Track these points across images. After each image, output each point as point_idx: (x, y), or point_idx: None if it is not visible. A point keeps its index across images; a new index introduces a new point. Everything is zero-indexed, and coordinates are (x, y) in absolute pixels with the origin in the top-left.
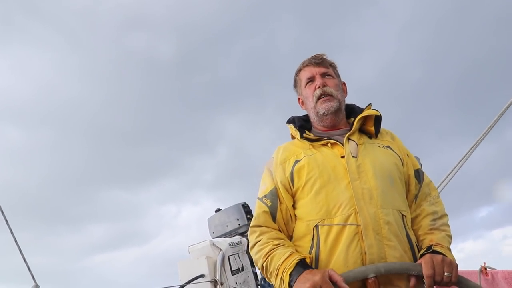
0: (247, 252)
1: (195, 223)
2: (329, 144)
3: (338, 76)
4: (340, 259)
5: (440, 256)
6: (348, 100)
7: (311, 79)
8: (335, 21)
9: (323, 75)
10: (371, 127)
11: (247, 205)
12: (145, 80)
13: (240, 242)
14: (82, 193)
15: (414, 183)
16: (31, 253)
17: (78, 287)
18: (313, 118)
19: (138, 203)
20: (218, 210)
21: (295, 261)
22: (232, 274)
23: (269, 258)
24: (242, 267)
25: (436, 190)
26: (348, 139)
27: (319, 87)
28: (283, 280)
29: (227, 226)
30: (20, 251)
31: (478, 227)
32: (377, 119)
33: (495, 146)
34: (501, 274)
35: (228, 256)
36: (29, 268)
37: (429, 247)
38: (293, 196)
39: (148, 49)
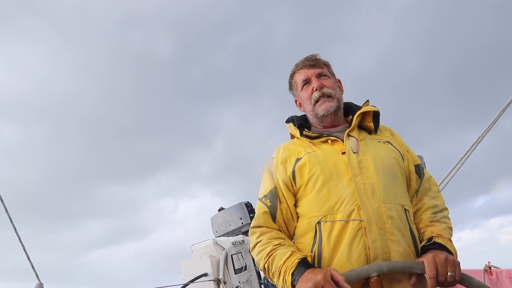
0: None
1: (193, 217)
2: (329, 141)
3: (333, 75)
4: (343, 255)
5: (443, 255)
6: (346, 90)
7: (306, 82)
8: (331, 11)
9: (319, 76)
10: (370, 123)
11: (250, 204)
12: (141, 74)
13: (243, 241)
14: (80, 189)
15: (415, 178)
16: (31, 250)
17: (78, 283)
18: (312, 119)
19: (135, 197)
20: (221, 209)
21: (297, 261)
22: (235, 273)
23: (270, 258)
24: (245, 266)
25: (436, 185)
26: (348, 135)
27: (316, 89)
28: (285, 280)
29: (230, 225)
30: (24, 249)
31: (475, 216)
32: (376, 115)
33: (493, 135)
34: (505, 273)
35: (231, 255)
36: (33, 266)
37: (430, 239)
38: (295, 194)
39: (143, 43)
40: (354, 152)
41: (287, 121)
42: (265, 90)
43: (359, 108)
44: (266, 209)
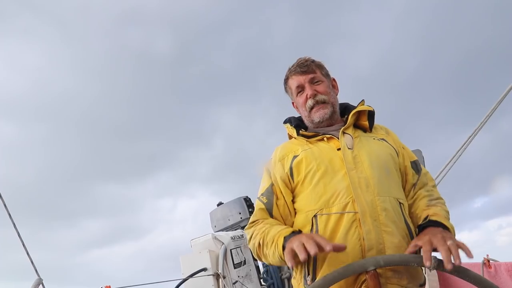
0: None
1: (192, 217)
2: (325, 139)
3: (327, 76)
4: None
5: (438, 229)
6: (345, 90)
7: (300, 88)
8: (331, 10)
9: (312, 81)
10: (365, 121)
11: (249, 198)
12: (139, 73)
13: (242, 235)
14: (78, 188)
15: (412, 173)
16: (29, 249)
17: (76, 282)
18: (308, 124)
19: (134, 197)
20: (220, 203)
21: (292, 229)
22: (235, 268)
23: (266, 231)
24: (245, 261)
25: (433, 181)
26: (344, 132)
27: (310, 97)
28: (277, 244)
29: (229, 219)
30: (23, 245)
31: (473, 217)
32: (371, 115)
33: (491, 135)
34: (504, 266)
35: (230, 250)
36: (32, 262)
37: (426, 217)
38: (292, 190)
39: (142, 42)
40: (349, 148)
41: (285, 122)
42: (264, 89)
43: (355, 108)
44: (263, 206)
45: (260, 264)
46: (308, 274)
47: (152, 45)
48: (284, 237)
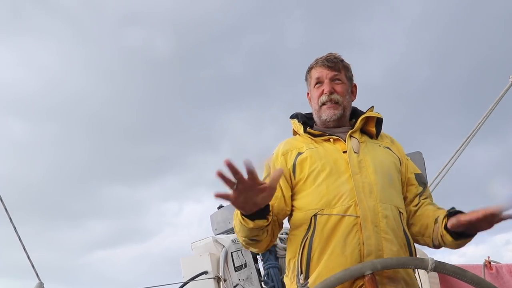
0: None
1: (197, 221)
2: (331, 140)
3: (350, 79)
4: (337, 249)
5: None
6: (356, 98)
7: (319, 81)
8: (344, 18)
9: (333, 79)
10: (373, 128)
11: None
12: (150, 76)
13: None
14: (84, 188)
15: (416, 184)
16: (32, 247)
17: (78, 284)
18: (316, 119)
19: (139, 199)
20: (220, 206)
21: None
22: (235, 271)
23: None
24: (245, 264)
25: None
26: (350, 136)
27: (326, 93)
28: (237, 213)
29: (229, 222)
30: (24, 248)
31: (481, 232)
32: (379, 122)
33: (501, 148)
34: (505, 267)
35: (231, 253)
36: (33, 266)
37: (448, 211)
38: (292, 187)
39: (153, 45)
40: (355, 152)
41: (292, 117)
42: (274, 95)
43: (363, 113)
44: None
45: (261, 267)
46: (301, 273)
47: (163, 48)
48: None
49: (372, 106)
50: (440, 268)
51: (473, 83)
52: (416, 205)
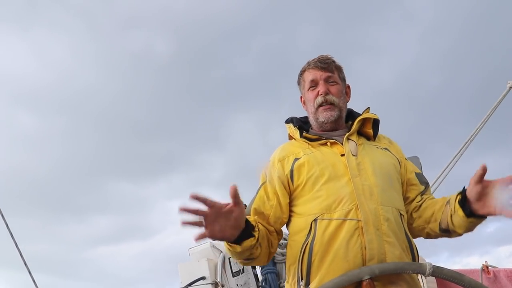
0: None
1: None
2: (328, 143)
3: (343, 80)
4: (340, 253)
5: None
6: (366, 102)
7: (314, 83)
8: (358, 22)
9: (327, 80)
10: (370, 129)
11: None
12: (159, 75)
13: None
14: (91, 183)
15: (418, 183)
16: (36, 240)
17: (81, 278)
18: (312, 122)
19: (145, 196)
20: None
21: None
22: (233, 276)
23: None
24: (243, 269)
25: None
26: (348, 139)
27: (321, 94)
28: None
29: None
30: (25, 263)
31: (485, 242)
32: (375, 123)
33: (510, 159)
34: (503, 272)
35: (229, 258)
36: (30, 273)
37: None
38: (290, 193)
39: (163, 44)
40: (353, 155)
41: (287, 122)
42: (284, 97)
43: (360, 115)
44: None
45: (258, 272)
46: (302, 279)
47: (174, 47)
48: None
49: (368, 107)
50: (438, 273)
51: (482, 92)
52: (420, 201)
